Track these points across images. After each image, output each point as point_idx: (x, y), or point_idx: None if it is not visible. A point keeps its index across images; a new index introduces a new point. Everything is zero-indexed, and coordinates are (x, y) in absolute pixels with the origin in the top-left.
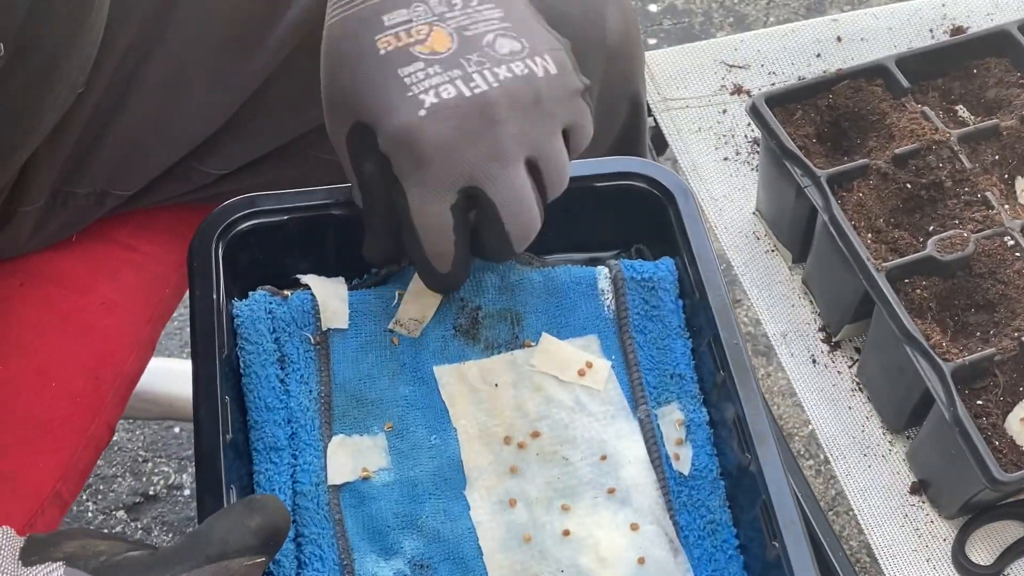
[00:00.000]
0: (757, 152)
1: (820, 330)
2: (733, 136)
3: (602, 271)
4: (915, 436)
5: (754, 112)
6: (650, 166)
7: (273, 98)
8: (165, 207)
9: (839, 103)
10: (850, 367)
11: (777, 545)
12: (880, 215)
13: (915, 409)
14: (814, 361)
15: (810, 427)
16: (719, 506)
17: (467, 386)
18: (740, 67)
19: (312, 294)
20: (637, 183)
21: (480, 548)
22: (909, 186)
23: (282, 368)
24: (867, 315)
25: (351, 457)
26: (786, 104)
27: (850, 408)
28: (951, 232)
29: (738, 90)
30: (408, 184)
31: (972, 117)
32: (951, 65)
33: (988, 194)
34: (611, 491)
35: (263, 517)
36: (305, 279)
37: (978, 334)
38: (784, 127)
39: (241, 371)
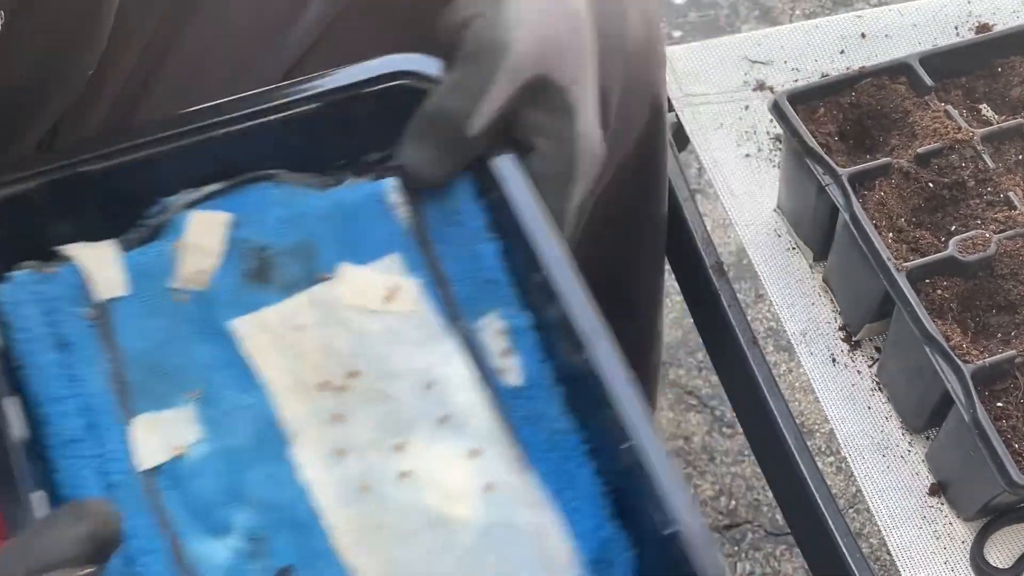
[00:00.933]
0: (779, 149)
1: (840, 329)
2: (755, 132)
3: (390, 182)
4: (934, 437)
5: (776, 110)
6: (419, 60)
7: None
8: None
9: (862, 101)
10: (870, 367)
11: (627, 447)
12: (902, 214)
13: (935, 410)
14: (834, 360)
15: (829, 425)
16: (559, 414)
17: (270, 335)
18: (763, 63)
19: (77, 266)
20: (408, 81)
21: (315, 508)
22: (931, 185)
23: (63, 352)
24: (887, 315)
25: (159, 436)
26: (808, 101)
27: (869, 408)
28: (973, 232)
29: (760, 86)
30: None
31: (996, 116)
32: (975, 63)
33: (1011, 194)
34: (443, 419)
35: (90, 523)
36: (66, 250)
37: (999, 335)
38: (806, 125)
39: (17, 363)
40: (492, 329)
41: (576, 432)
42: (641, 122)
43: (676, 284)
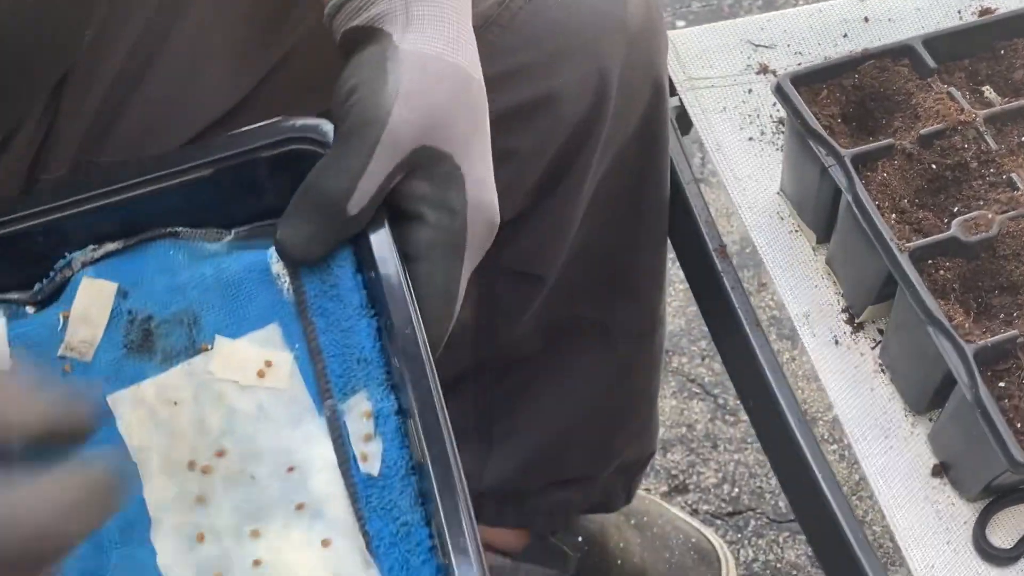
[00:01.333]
0: (782, 132)
1: (843, 311)
2: (758, 116)
3: (273, 253)
4: (937, 418)
5: (779, 91)
6: (313, 125)
7: (294, 74)
8: None
9: (865, 83)
10: (873, 348)
11: (445, 562)
12: (904, 195)
13: (937, 391)
14: (836, 342)
15: (834, 412)
16: (410, 506)
17: (146, 410)
18: (766, 47)
19: None
20: (303, 145)
21: None
22: (934, 167)
23: None
24: (890, 296)
25: None
26: (812, 84)
27: (872, 390)
28: (976, 213)
29: (764, 70)
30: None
31: (999, 98)
32: (978, 46)
33: (1014, 175)
34: (300, 507)
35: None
36: None
37: (1002, 316)
38: (809, 107)
39: None
40: (358, 411)
41: (424, 525)
42: (643, 103)
43: (679, 272)
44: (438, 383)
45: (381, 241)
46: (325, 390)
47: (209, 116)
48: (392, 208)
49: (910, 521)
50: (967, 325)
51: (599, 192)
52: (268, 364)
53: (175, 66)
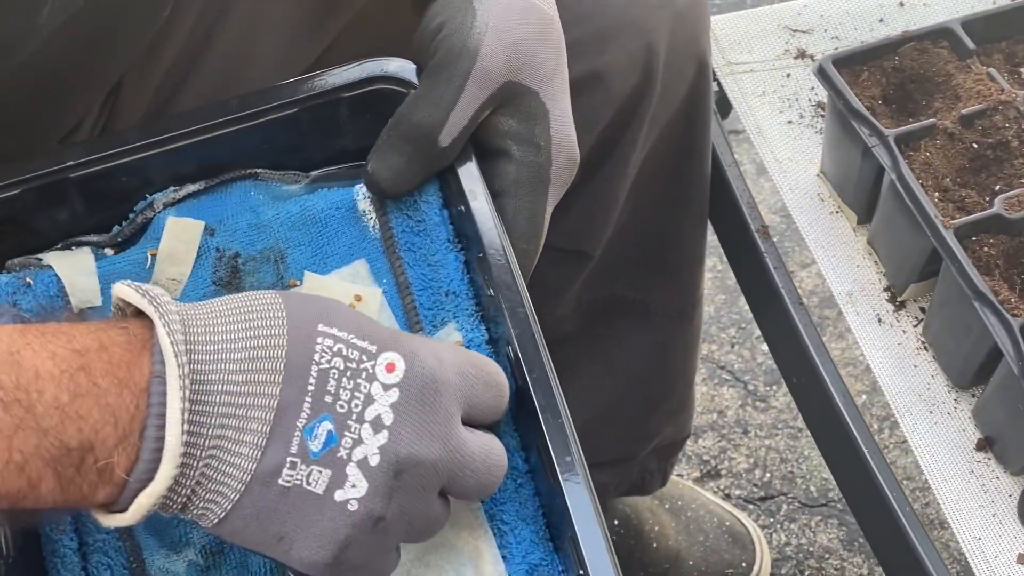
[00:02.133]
0: (821, 116)
1: (885, 290)
2: (797, 100)
3: (360, 190)
4: (980, 394)
5: (821, 73)
6: (396, 64)
7: (348, 50)
8: None
9: (905, 65)
10: (915, 327)
11: (550, 483)
12: (947, 174)
13: (981, 366)
14: (880, 320)
15: (864, 396)
16: (504, 431)
17: None
18: (803, 32)
19: (56, 274)
20: (387, 85)
21: None
22: (976, 146)
23: None
24: (933, 274)
25: None
26: (852, 66)
27: (915, 367)
28: (1019, 190)
29: (801, 54)
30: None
31: None
32: (1016, 28)
33: None
34: None
35: None
36: (45, 258)
37: None
38: (851, 88)
39: None
40: (449, 341)
41: (519, 451)
42: (687, 80)
43: (708, 259)
44: (533, 310)
45: (470, 174)
46: (415, 322)
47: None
48: (478, 143)
49: (956, 495)
50: (1012, 300)
51: (644, 169)
52: (358, 299)
53: (235, 37)
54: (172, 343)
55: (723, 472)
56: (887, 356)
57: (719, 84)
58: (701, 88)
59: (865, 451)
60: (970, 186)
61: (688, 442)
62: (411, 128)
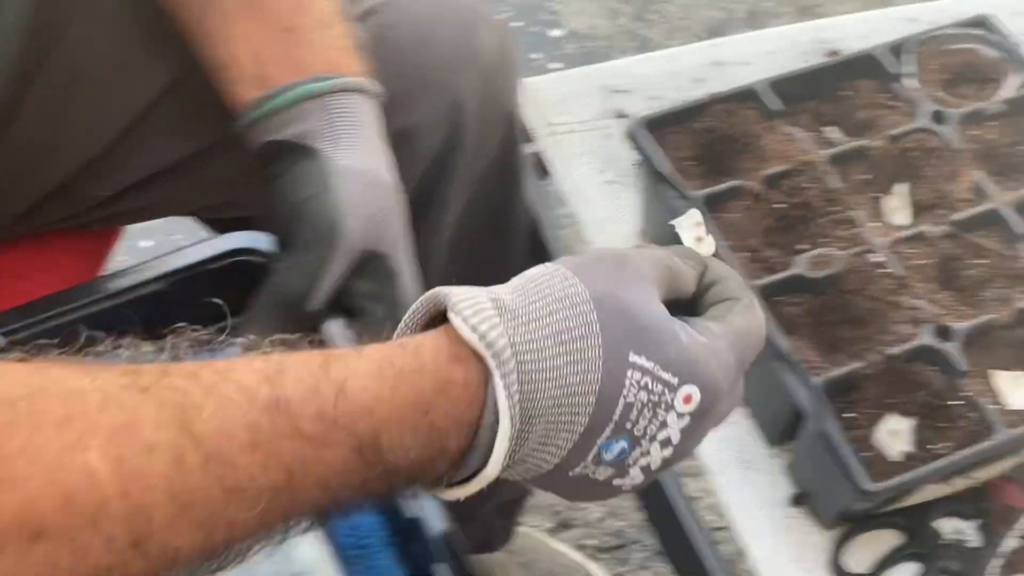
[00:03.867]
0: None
1: None
2: (617, 160)
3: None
4: (793, 449)
5: (632, 136)
6: (255, 238)
7: (162, 118)
8: (55, 234)
9: (714, 126)
10: None
11: None
12: (754, 235)
13: (791, 423)
14: None
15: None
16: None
17: None
18: (624, 92)
19: None
20: (246, 257)
21: None
22: (781, 206)
23: None
24: None
25: None
26: (663, 127)
27: (732, 423)
28: (821, 250)
29: (621, 114)
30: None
31: (843, 138)
32: (823, 88)
33: (857, 213)
34: None
35: None
36: None
37: (848, 349)
38: (661, 150)
39: None
40: None
41: None
42: (499, 135)
43: None
44: None
45: (335, 328)
46: None
47: (76, 163)
48: (339, 304)
49: (770, 551)
50: (816, 359)
51: (462, 225)
52: None
53: (38, 115)
54: (510, 406)
55: (576, 522)
56: None
57: (539, 146)
58: (513, 145)
59: (680, 510)
60: (777, 246)
61: (540, 493)
62: (283, 296)
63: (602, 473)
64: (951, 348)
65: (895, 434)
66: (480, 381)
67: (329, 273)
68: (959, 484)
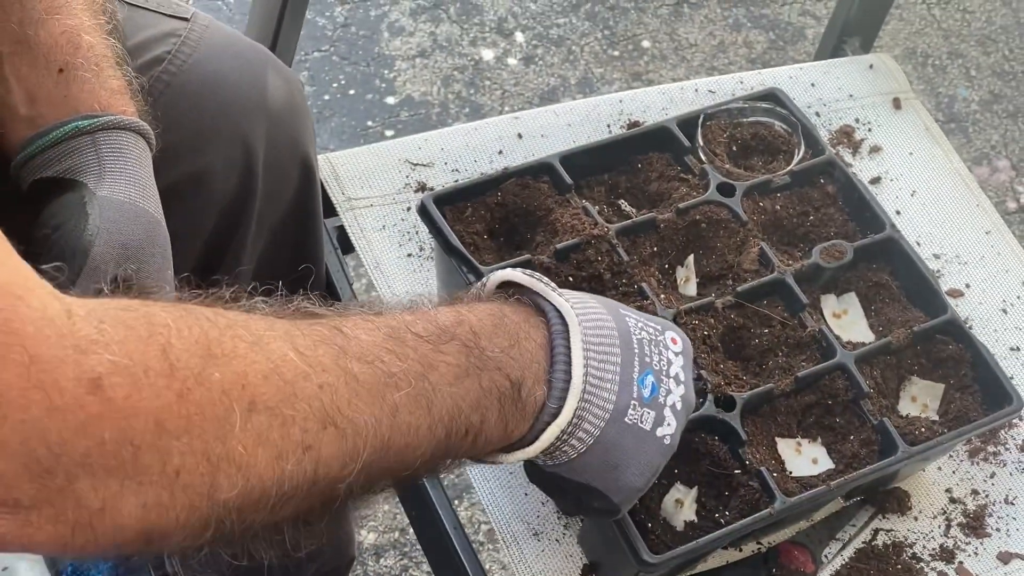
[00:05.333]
0: None
1: None
2: (417, 233)
3: None
4: (584, 519)
5: (423, 212)
6: None
7: None
8: None
9: (508, 200)
10: None
11: None
12: None
13: None
14: None
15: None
16: None
17: None
18: (424, 165)
19: None
20: None
21: None
22: (571, 279)
23: None
24: None
25: None
26: (456, 202)
27: (527, 494)
28: None
29: (422, 188)
30: None
31: (635, 210)
32: (616, 160)
33: (644, 285)
34: None
35: None
36: None
37: None
38: (455, 225)
39: None
40: None
41: None
42: (293, 181)
43: None
44: None
45: None
46: None
47: None
48: None
49: None
50: None
51: (260, 270)
52: None
53: None
54: (572, 308)
55: None
56: (498, 485)
57: (340, 220)
58: (309, 188)
59: None
60: None
61: (370, 562)
62: None
63: (647, 419)
64: (732, 418)
65: (679, 504)
66: (528, 311)
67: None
68: (748, 549)
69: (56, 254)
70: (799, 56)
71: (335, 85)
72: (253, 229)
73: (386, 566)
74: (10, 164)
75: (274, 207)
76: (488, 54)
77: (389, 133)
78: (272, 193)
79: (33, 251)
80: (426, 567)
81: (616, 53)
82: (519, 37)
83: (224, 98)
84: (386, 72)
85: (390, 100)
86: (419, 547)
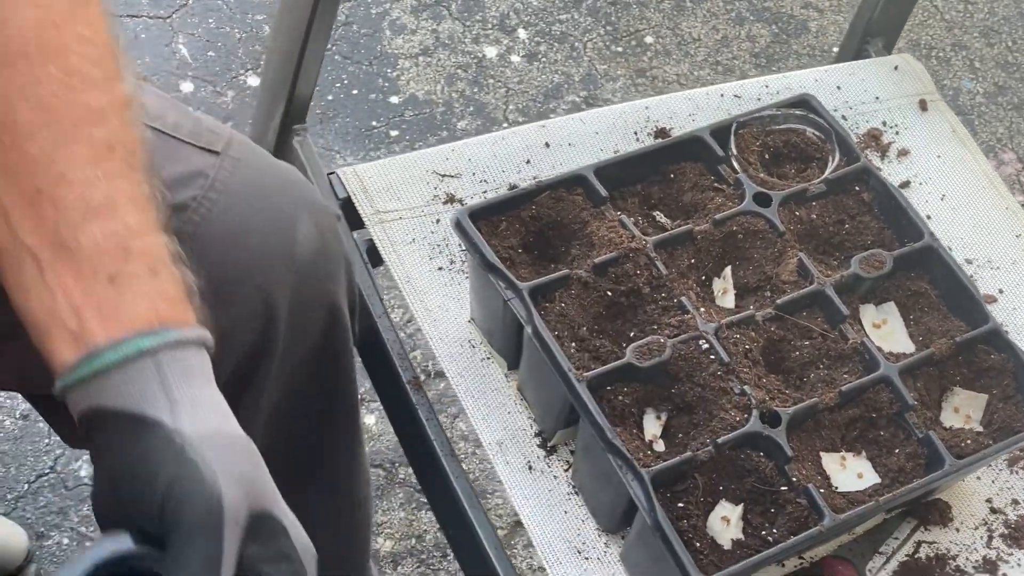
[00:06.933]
0: None
1: (536, 435)
2: (447, 245)
3: None
4: (627, 537)
5: (458, 227)
6: (117, 542)
7: None
8: None
9: (542, 213)
10: (566, 471)
11: None
12: (583, 323)
13: (625, 511)
14: (531, 467)
15: None
16: None
17: None
18: (452, 176)
19: None
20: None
21: None
22: (610, 294)
23: None
24: (577, 420)
25: None
26: (491, 216)
27: (566, 512)
28: (649, 339)
29: (451, 199)
30: None
31: (670, 222)
32: (649, 170)
33: (684, 299)
34: None
35: None
36: None
37: (680, 436)
38: (490, 239)
39: None
40: None
41: None
42: (318, 324)
43: None
44: None
45: None
46: None
47: None
48: None
49: None
50: (644, 450)
51: (282, 409)
52: None
53: None
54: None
55: None
56: (538, 503)
57: (369, 234)
58: (336, 329)
59: None
60: (607, 334)
61: (388, 570)
62: None
63: None
64: (777, 433)
65: (725, 521)
66: None
67: (227, 553)
68: (791, 564)
69: (186, 517)
70: (803, 50)
71: (338, 85)
72: (272, 375)
73: (403, 573)
74: (54, 384)
75: (297, 350)
76: (491, 51)
77: (394, 133)
78: (295, 338)
79: (135, 516)
80: (444, 574)
81: (619, 49)
82: (522, 34)
83: (250, 251)
84: (389, 71)
85: (394, 99)
86: (437, 553)
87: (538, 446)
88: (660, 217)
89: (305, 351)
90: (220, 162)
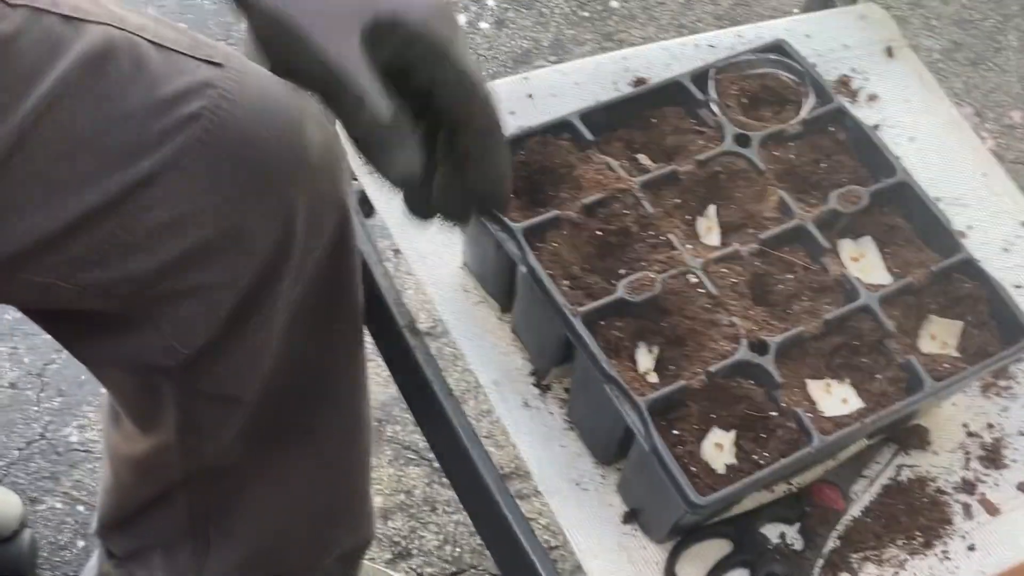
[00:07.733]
0: None
1: (531, 374)
2: None
3: None
4: (624, 468)
5: None
6: None
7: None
8: None
9: (531, 159)
10: (561, 408)
11: None
12: (575, 262)
13: (621, 442)
14: (527, 405)
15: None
16: None
17: None
18: None
19: None
20: None
21: None
22: (599, 233)
23: None
24: (571, 358)
25: None
26: None
27: (563, 446)
28: (639, 274)
29: None
30: (450, 47)
31: (653, 164)
32: (631, 116)
33: (671, 236)
34: None
35: None
36: None
37: (671, 368)
38: None
39: None
40: None
41: None
42: (329, 230)
43: None
44: None
45: None
46: None
47: None
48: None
49: (605, 569)
50: (639, 380)
51: (295, 314)
52: None
53: None
54: None
55: (414, 551)
56: (535, 438)
57: (362, 184)
58: (345, 235)
59: (515, 532)
60: (598, 272)
61: (379, 523)
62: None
63: None
64: (766, 361)
65: (719, 448)
66: None
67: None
68: (780, 490)
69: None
70: (765, 12)
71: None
72: (289, 279)
73: (394, 527)
74: None
75: (311, 256)
76: (460, 19)
77: None
78: (309, 244)
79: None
80: (434, 527)
81: (586, 14)
82: (490, 1)
83: (266, 154)
84: None
85: None
86: (426, 508)
87: (533, 384)
88: (644, 160)
89: (317, 256)
90: (225, 73)
